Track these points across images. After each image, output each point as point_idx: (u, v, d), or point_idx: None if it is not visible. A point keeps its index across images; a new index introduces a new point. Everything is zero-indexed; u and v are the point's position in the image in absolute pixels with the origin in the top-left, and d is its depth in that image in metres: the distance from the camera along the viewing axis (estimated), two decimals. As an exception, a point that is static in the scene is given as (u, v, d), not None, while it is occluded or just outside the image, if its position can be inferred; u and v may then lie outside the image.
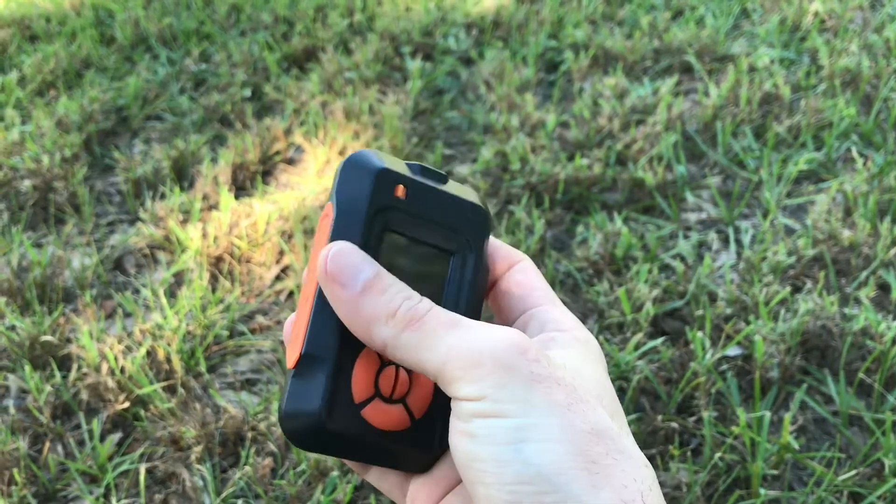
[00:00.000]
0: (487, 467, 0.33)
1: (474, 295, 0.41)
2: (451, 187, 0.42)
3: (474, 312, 0.41)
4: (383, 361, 0.39)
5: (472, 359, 0.34)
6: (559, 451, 0.33)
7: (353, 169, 0.40)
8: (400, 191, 0.40)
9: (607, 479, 0.33)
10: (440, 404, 0.39)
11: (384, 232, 0.40)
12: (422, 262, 0.41)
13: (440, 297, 0.40)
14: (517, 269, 0.43)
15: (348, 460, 0.40)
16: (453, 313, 0.36)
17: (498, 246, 0.44)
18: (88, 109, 1.96)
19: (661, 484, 1.01)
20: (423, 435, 0.39)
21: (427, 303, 0.37)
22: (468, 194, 0.43)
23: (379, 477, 0.42)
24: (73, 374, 1.25)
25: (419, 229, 0.40)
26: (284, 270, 1.46)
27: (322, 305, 0.38)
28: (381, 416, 0.38)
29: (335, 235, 0.39)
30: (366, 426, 0.38)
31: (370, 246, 0.39)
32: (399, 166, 0.41)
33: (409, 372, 0.39)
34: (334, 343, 0.38)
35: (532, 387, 0.34)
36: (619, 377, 1.16)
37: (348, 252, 0.37)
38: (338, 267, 0.37)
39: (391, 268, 0.39)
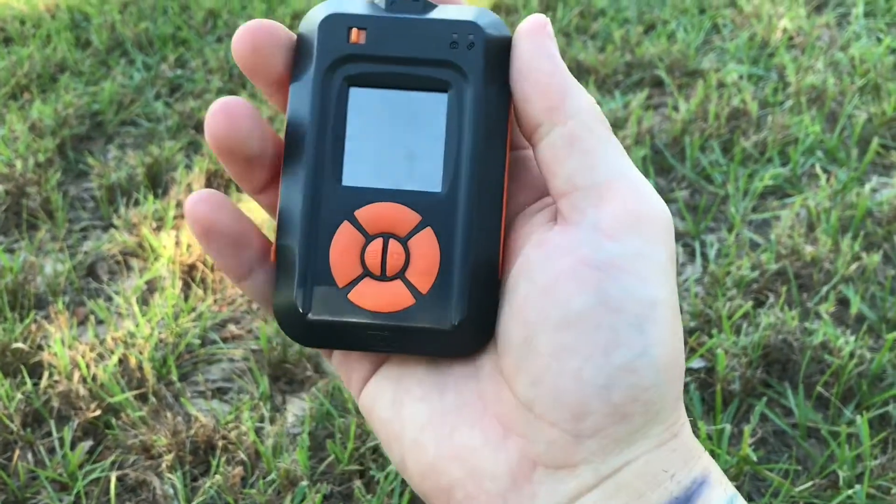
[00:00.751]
0: (598, 338, 0.30)
1: (484, 133, 0.34)
2: (440, 12, 0.35)
3: (490, 155, 0.34)
4: (367, 235, 0.34)
5: (640, 202, 0.31)
6: (672, 346, 0.30)
7: (304, 25, 0.35)
8: (355, 35, 0.34)
9: (680, 389, 0.31)
10: (451, 277, 0.33)
11: (345, 88, 0.34)
12: (407, 113, 0.34)
13: (441, 146, 0.34)
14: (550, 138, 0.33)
15: (355, 350, 0.35)
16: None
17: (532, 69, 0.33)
18: (63, 114, 1.95)
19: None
20: (433, 311, 0.33)
21: None
22: (463, 13, 0.35)
23: (339, 363, 0.37)
24: (44, 382, 1.25)
25: (392, 75, 0.34)
26: (257, 279, 1.47)
27: (288, 187, 0.34)
28: (375, 296, 0.33)
29: (291, 108, 0.34)
30: (356, 310, 0.33)
31: (331, 108, 0.34)
32: (361, 6, 0.35)
33: (403, 243, 0.34)
34: (303, 225, 0.33)
35: (671, 264, 0.32)
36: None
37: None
38: (552, 36, 0.34)
39: (368, 126, 0.34)
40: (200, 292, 1.42)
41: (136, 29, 2.41)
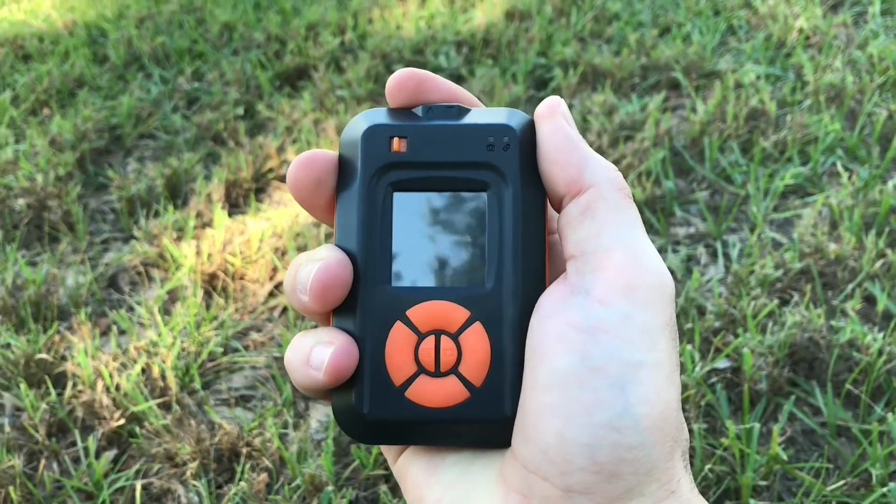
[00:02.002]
0: (581, 398, 0.30)
1: (524, 228, 0.35)
2: (474, 116, 0.36)
3: (530, 248, 0.35)
4: (419, 333, 0.35)
5: (634, 267, 0.32)
6: (660, 407, 0.31)
7: (346, 137, 0.37)
8: (396, 144, 0.35)
9: (678, 446, 0.31)
10: (503, 369, 0.34)
11: (390, 193, 0.36)
12: (451, 214, 0.36)
13: (484, 242, 0.35)
14: (575, 204, 0.35)
15: (413, 445, 0.36)
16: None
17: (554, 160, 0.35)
18: (82, 128, 1.97)
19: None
20: (488, 404, 0.34)
21: None
22: (496, 116, 0.36)
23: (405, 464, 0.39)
24: (68, 392, 1.25)
25: (433, 179, 0.36)
26: (278, 287, 1.47)
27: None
28: (431, 392, 0.34)
29: (339, 216, 0.36)
30: (414, 408, 0.34)
31: (377, 214, 0.35)
32: (402, 116, 0.36)
33: (454, 339, 0.35)
34: (358, 326, 0.35)
35: (664, 329, 0.32)
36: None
37: (568, 110, 0.36)
38: (567, 113, 0.36)
39: (413, 229, 0.35)
40: (222, 301, 1.42)
41: (152, 43, 2.43)
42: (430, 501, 0.35)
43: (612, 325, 0.31)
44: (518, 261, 0.35)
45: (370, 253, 0.35)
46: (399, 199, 0.36)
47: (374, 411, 0.34)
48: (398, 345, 0.35)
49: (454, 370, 0.34)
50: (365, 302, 0.35)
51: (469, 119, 0.36)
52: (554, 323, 0.32)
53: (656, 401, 0.31)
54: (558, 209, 0.36)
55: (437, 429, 0.35)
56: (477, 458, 0.35)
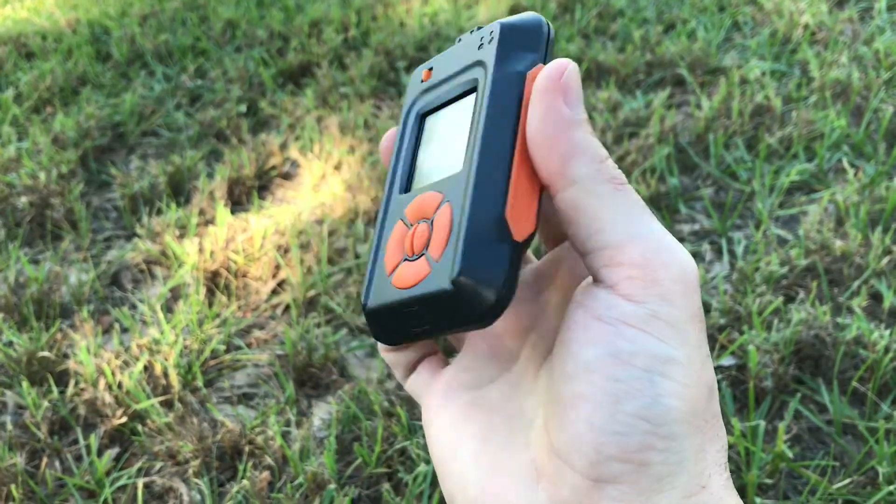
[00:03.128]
0: (608, 387, 0.30)
1: (491, 112, 0.35)
2: (480, 32, 0.38)
3: (495, 128, 0.34)
4: (409, 225, 0.36)
5: (655, 262, 0.31)
6: (689, 400, 0.30)
7: None
8: (425, 75, 0.40)
9: (710, 442, 0.31)
10: (457, 241, 0.33)
11: (421, 120, 0.40)
12: (455, 120, 0.37)
13: (465, 135, 0.36)
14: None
15: (405, 341, 0.37)
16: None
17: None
18: (85, 126, 1.97)
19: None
20: (441, 275, 0.33)
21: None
22: (493, 25, 0.37)
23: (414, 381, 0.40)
24: (70, 390, 1.25)
25: (442, 95, 0.38)
26: (281, 285, 1.46)
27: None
28: (406, 274, 0.35)
29: (395, 153, 0.40)
30: (394, 292, 0.35)
31: (408, 138, 0.40)
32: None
33: (430, 222, 0.35)
34: (377, 233, 0.38)
35: (692, 322, 0.31)
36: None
37: (577, 77, 0.33)
38: (570, 84, 0.33)
39: (430, 144, 0.38)
40: (224, 298, 1.42)
41: (155, 41, 2.42)
42: (455, 474, 0.35)
43: (638, 321, 0.31)
44: (482, 143, 0.34)
45: (394, 171, 0.40)
46: (426, 123, 0.40)
47: (370, 301, 0.36)
48: (395, 239, 0.37)
49: (425, 251, 0.35)
50: (385, 211, 0.39)
51: (477, 32, 0.38)
52: (580, 314, 0.32)
53: (685, 394, 0.30)
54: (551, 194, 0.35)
55: (413, 312, 0.35)
56: (494, 432, 0.34)
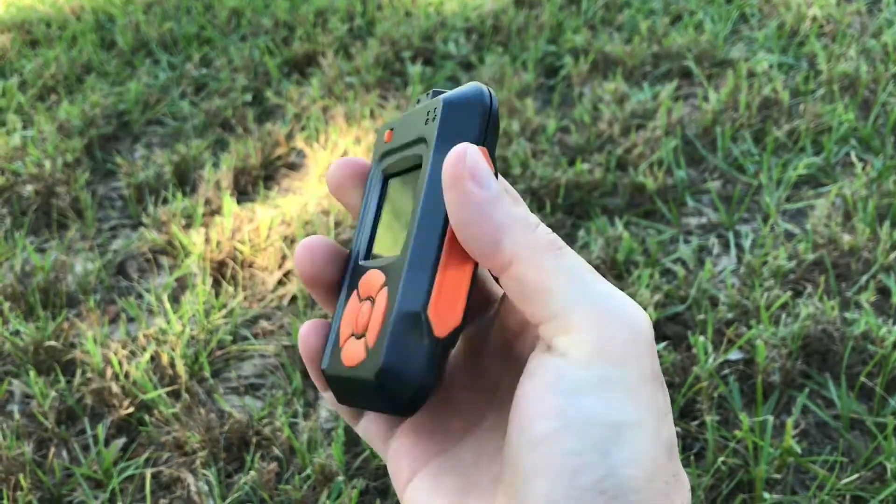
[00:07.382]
0: (564, 461, 0.29)
1: (428, 196, 0.35)
2: (430, 103, 0.38)
3: (428, 214, 0.35)
4: (360, 299, 0.37)
5: (604, 325, 0.31)
6: (647, 466, 0.30)
7: None
8: (388, 136, 0.40)
9: (668, 498, 0.30)
10: (385, 331, 0.34)
11: (384, 182, 0.40)
12: (406, 197, 0.38)
13: (409, 214, 0.36)
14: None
15: (355, 408, 0.39)
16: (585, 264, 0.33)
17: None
18: (90, 114, 1.96)
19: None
20: (371, 364, 0.34)
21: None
22: (437, 101, 0.37)
23: (364, 427, 0.40)
24: (77, 380, 1.25)
25: (399, 163, 0.39)
26: (287, 275, 1.46)
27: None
28: (349, 352, 0.36)
29: (363, 208, 0.40)
30: (341, 366, 0.36)
31: (377, 205, 0.40)
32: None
33: (373, 303, 0.36)
34: (341, 299, 0.39)
35: (647, 381, 0.31)
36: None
37: (481, 156, 0.33)
38: (476, 165, 0.33)
39: (390, 210, 0.38)
40: (231, 289, 1.42)
41: (160, 29, 2.41)
42: None
43: (590, 388, 0.30)
44: (417, 229, 0.35)
45: (359, 232, 0.40)
46: (390, 185, 0.40)
47: (326, 366, 0.38)
48: (350, 309, 0.38)
49: (364, 333, 0.36)
50: (349, 276, 0.40)
51: (432, 99, 0.38)
52: (532, 385, 0.31)
53: (642, 459, 0.30)
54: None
55: (351, 388, 0.36)
56: (470, 496, 0.34)
